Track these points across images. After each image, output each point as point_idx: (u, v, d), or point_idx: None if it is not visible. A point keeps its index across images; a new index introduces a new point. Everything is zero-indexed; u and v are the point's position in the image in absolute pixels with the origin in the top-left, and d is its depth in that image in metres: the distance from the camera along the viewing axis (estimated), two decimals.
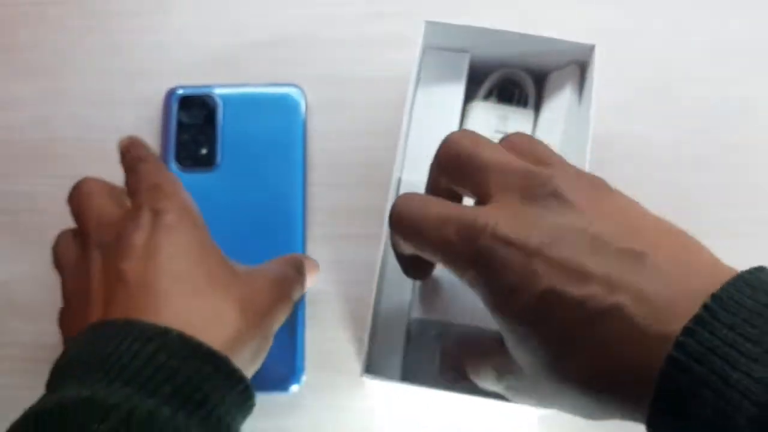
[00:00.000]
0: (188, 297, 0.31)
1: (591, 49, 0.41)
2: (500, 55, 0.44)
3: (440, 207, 0.31)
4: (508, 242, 0.28)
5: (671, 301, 0.25)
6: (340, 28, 0.49)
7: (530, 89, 0.45)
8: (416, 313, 0.39)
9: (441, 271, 0.39)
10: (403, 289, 0.41)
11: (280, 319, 0.36)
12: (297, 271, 0.38)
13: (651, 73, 0.48)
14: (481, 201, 0.31)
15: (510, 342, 0.29)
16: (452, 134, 0.33)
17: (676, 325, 0.24)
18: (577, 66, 0.43)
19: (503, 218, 0.29)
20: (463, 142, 0.32)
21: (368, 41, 0.49)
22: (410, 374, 0.41)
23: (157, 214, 0.33)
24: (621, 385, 0.26)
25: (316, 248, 0.45)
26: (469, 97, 0.45)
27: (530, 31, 0.41)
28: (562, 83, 0.43)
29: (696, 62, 0.49)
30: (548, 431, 0.43)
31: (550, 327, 0.27)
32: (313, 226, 0.46)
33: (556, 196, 0.29)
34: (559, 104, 0.43)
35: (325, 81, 0.48)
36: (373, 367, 0.40)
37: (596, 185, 0.30)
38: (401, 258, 0.36)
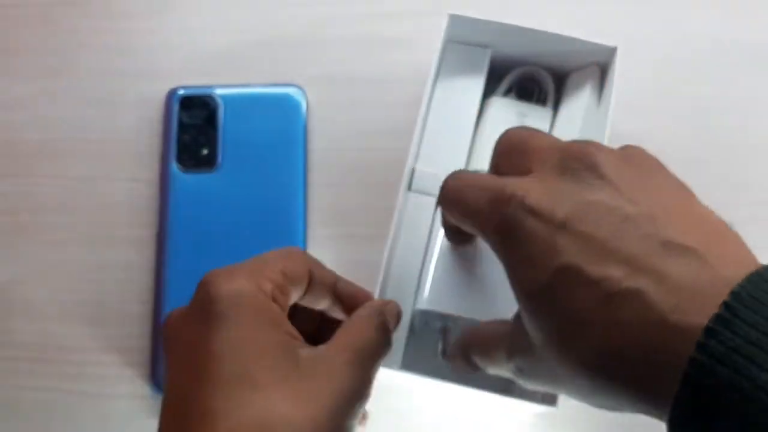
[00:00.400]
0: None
1: (613, 51, 0.41)
2: (521, 52, 0.44)
3: (480, 178, 0.31)
4: (534, 212, 0.27)
5: (696, 291, 0.24)
6: (341, 28, 0.49)
7: (550, 88, 0.45)
8: (421, 305, 0.39)
9: (448, 263, 0.39)
10: (408, 283, 0.41)
11: (358, 414, 0.30)
12: (385, 337, 0.32)
13: (650, 73, 0.48)
14: None
15: (524, 315, 0.29)
16: (512, 128, 0.33)
17: (698, 318, 0.23)
18: (598, 67, 0.43)
19: (534, 189, 0.28)
20: (520, 133, 0.32)
21: (369, 41, 0.49)
22: (411, 365, 0.41)
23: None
24: (633, 374, 0.25)
25: (316, 249, 0.45)
26: (488, 92, 0.45)
27: (551, 29, 0.41)
28: (582, 83, 0.44)
29: (696, 62, 0.49)
30: (545, 427, 0.43)
31: (563, 304, 0.26)
32: (314, 227, 0.46)
33: (593, 170, 0.28)
34: (577, 104, 0.43)
35: (326, 81, 0.48)
36: None
37: (642, 168, 0.29)
38: (448, 228, 0.36)
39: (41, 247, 0.46)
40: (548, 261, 0.27)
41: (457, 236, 0.37)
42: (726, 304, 0.23)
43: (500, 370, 0.33)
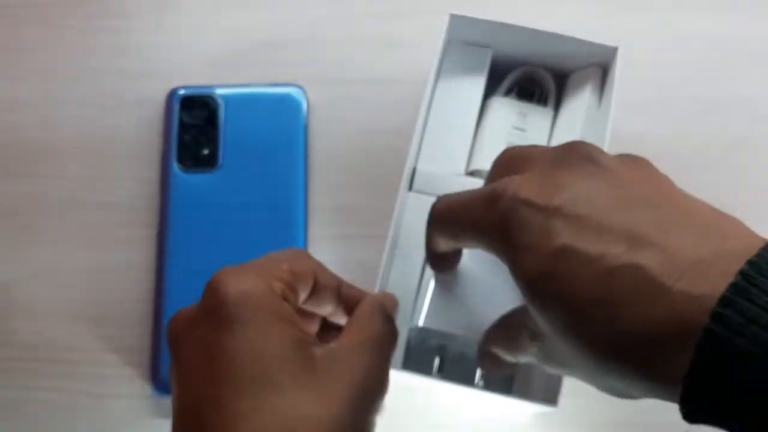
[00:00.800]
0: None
1: (614, 51, 0.41)
2: (522, 52, 0.44)
3: (470, 190, 0.31)
4: (528, 203, 0.27)
5: (700, 261, 0.24)
6: (342, 29, 0.49)
7: (551, 88, 0.45)
8: (419, 322, 0.39)
9: (446, 280, 0.39)
10: (408, 283, 0.41)
11: (379, 409, 0.30)
12: (391, 327, 0.32)
13: (651, 74, 0.49)
14: None
15: (529, 305, 0.28)
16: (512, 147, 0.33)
17: (707, 288, 0.23)
18: (599, 67, 0.43)
19: (527, 182, 0.28)
20: (520, 147, 0.32)
21: (369, 41, 0.49)
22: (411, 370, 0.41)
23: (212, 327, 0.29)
24: (640, 349, 0.24)
25: (317, 249, 0.45)
26: (489, 92, 0.45)
27: (552, 29, 0.41)
28: (583, 84, 0.44)
29: (696, 63, 0.49)
30: (545, 423, 0.43)
31: (564, 287, 0.26)
32: (314, 227, 0.46)
33: (587, 159, 0.28)
34: (578, 104, 0.44)
35: (326, 81, 0.48)
36: None
37: (633, 161, 0.29)
38: (434, 256, 0.36)
39: (42, 247, 0.46)
40: (546, 245, 0.26)
41: (441, 263, 0.37)
42: (743, 274, 0.23)
43: (527, 356, 0.33)
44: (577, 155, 0.28)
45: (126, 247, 0.46)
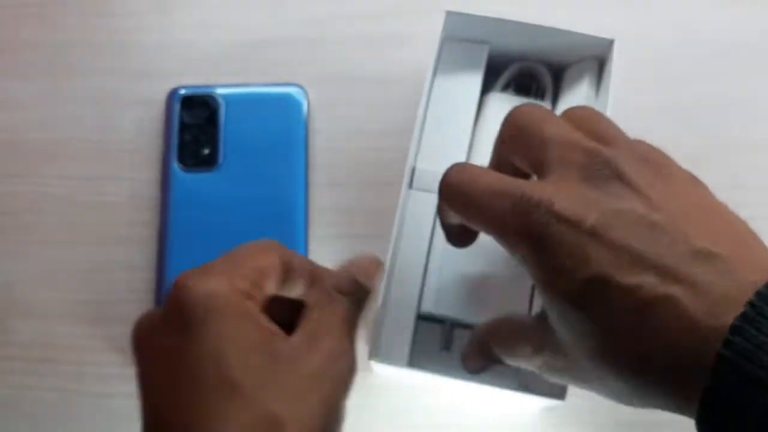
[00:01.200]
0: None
1: (610, 43, 0.41)
2: (519, 47, 0.44)
3: (493, 179, 0.30)
4: (563, 219, 0.27)
5: (725, 294, 0.25)
6: (342, 28, 0.49)
7: (547, 82, 0.45)
8: (426, 308, 0.39)
9: (451, 264, 0.39)
10: (412, 281, 0.41)
11: (348, 391, 0.30)
12: (349, 307, 0.32)
13: (651, 72, 0.49)
14: (538, 175, 0.30)
15: (554, 319, 0.29)
16: (521, 106, 0.32)
17: (727, 319, 0.24)
18: (596, 60, 0.43)
19: (560, 195, 0.28)
20: (531, 115, 0.31)
21: (369, 40, 0.49)
22: (416, 362, 0.41)
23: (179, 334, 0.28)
24: (665, 376, 0.26)
25: (318, 248, 0.45)
26: (486, 88, 0.45)
27: (548, 23, 0.41)
28: (580, 77, 0.44)
29: (696, 61, 0.49)
30: (551, 422, 0.43)
31: (597, 311, 0.27)
32: (315, 226, 0.46)
33: (617, 177, 0.28)
34: (575, 98, 0.44)
35: (326, 80, 0.48)
36: (379, 355, 0.40)
37: (660, 169, 0.29)
38: (447, 227, 0.35)
39: (41, 247, 0.46)
40: (579, 270, 0.27)
41: (459, 237, 0.36)
42: (751, 303, 0.24)
43: (523, 364, 0.33)
44: (607, 173, 0.28)
45: (126, 247, 0.46)
